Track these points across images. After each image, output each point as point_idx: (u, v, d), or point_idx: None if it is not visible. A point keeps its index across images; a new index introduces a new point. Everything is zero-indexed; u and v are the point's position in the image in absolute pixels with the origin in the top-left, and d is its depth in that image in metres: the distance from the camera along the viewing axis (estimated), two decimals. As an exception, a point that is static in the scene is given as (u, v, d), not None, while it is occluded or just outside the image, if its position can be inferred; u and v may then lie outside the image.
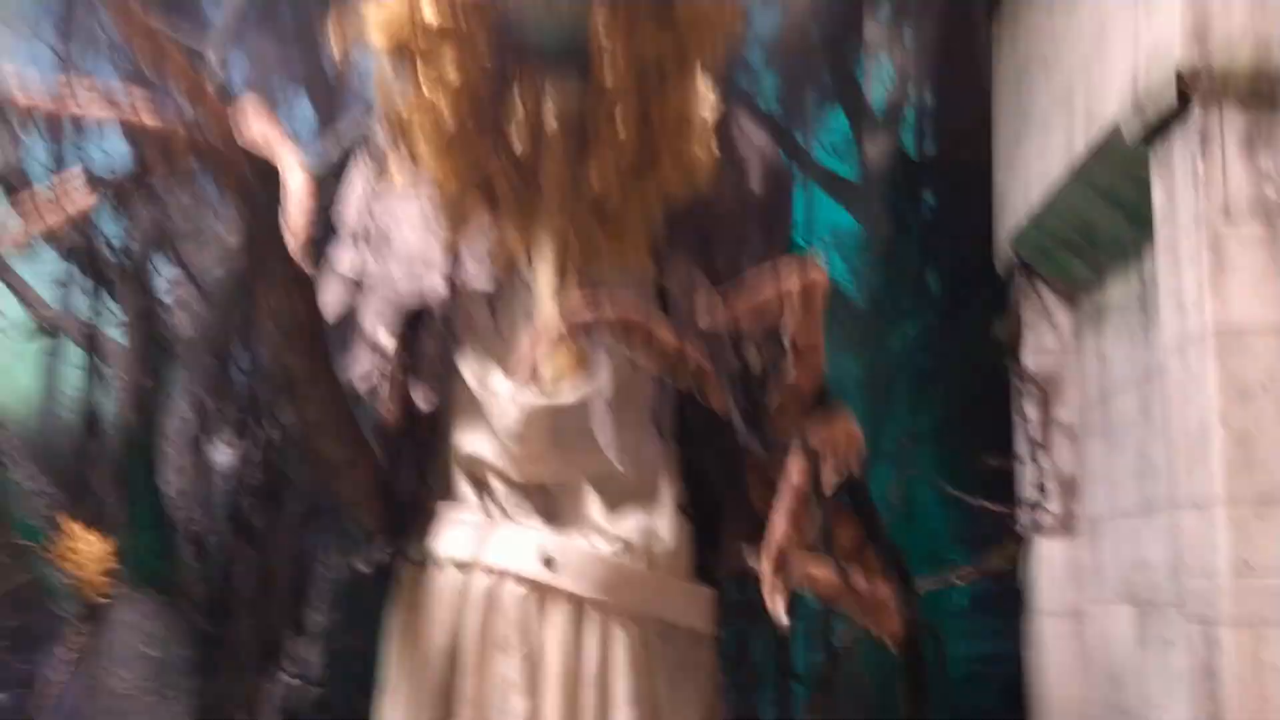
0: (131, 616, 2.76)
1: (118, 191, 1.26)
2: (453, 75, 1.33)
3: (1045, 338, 3.00)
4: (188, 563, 2.77)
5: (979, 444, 3.27)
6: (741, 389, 1.35)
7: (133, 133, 1.24)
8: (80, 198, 1.24)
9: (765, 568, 1.08)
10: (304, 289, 1.36)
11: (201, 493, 2.85)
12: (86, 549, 2.80)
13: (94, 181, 1.27)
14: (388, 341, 1.47)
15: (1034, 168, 2.74)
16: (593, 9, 1.31)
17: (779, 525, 1.11)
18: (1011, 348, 3.00)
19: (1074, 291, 2.94)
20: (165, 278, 2.94)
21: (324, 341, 1.44)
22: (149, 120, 1.24)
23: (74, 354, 4.03)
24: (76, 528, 2.82)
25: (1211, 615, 1.87)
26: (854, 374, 4.00)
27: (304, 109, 3.81)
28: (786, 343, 1.26)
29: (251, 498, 2.73)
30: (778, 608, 1.10)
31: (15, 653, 3.05)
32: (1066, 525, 2.86)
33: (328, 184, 3.20)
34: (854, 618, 1.26)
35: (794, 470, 1.15)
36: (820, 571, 1.20)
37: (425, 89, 1.35)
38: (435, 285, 1.43)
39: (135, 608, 2.78)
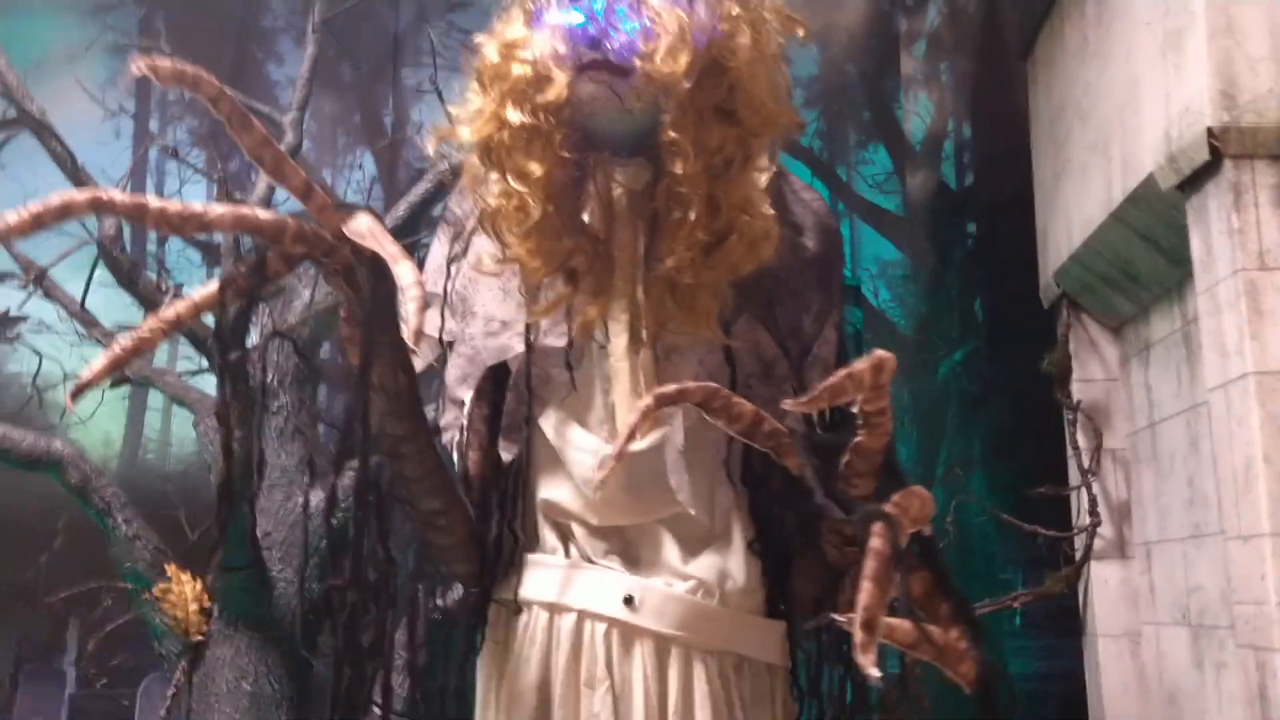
0: (227, 653, 2.92)
1: (238, 284, 1.35)
2: (535, 168, 1.42)
3: (1092, 368, 3.10)
4: (281, 602, 2.93)
5: (1028, 469, 3.37)
6: (814, 451, 1.44)
7: (249, 227, 1.33)
8: (200, 297, 1.32)
9: (857, 631, 1.20)
10: (408, 366, 1.46)
11: (299, 535, 3.02)
12: (183, 590, 2.96)
13: (224, 284, 1.34)
14: (470, 396, 1.58)
15: (1074, 209, 2.86)
16: (661, 108, 1.40)
17: (867, 591, 1.22)
18: (1060, 379, 3.10)
19: (1119, 324, 3.04)
20: (256, 331, 3.10)
21: (419, 405, 1.54)
22: (263, 216, 1.33)
23: (155, 399, 4.24)
24: (174, 569, 2.99)
25: (1262, 642, 1.97)
26: (904, 402, 4.11)
27: (368, 164, 4.01)
28: (856, 409, 1.36)
29: (344, 541, 2.89)
30: (869, 664, 1.21)
31: (119, 689, 3.23)
32: (1120, 550, 2.95)
33: (399, 238, 3.38)
34: (931, 663, 1.36)
35: (876, 538, 1.26)
36: (900, 625, 1.31)
37: (511, 181, 1.45)
38: (513, 343, 1.52)
39: (230, 645, 2.94)
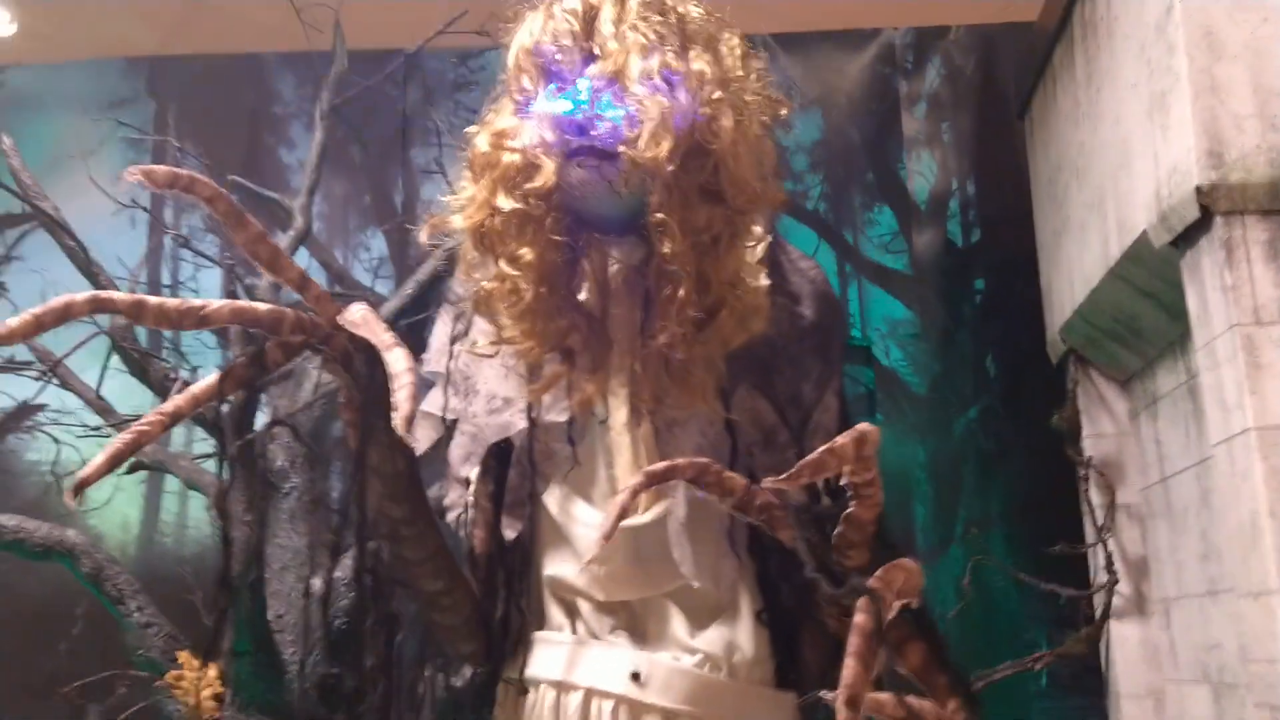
0: (243, 740, 2.91)
1: (237, 374, 1.38)
2: (526, 252, 1.45)
3: (1103, 423, 3.09)
4: (291, 685, 2.92)
5: (1047, 527, 3.33)
6: (807, 522, 1.44)
7: (248, 320, 1.35)
8: (200, 388, 1.35)
9: (840, 709, 1.19)
10: (405, 449, 1.48)
11: (302, 618, 3.02)
12: (195, 675, 2.96)
13: (223, 375, 1.37)
14: (473, 474, 1.58)
15: (1075, 265, 2.86)
16: (649, 189, 1.42)
17: (850, 668, 1.21)
18: (1071, 435, 3.08)
19: (1126, 378, 3.03)
20: (263, 415, 3.14)
21: (420, 487, 1.56)
22: (260, 308, 1.35)
23: (172, 483, 4.26)
24: (185, 656, 3.00)
25: (1277, 700, 1.93)
26: (921, 460, 4.08)
27: (378, 244, 4.06)
28: (845, 482, 1.37)
29: (350, 623, 2.90)
30: None
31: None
32: (1139, 607, 2.91)
33: (406, 315, 3.42)
34: None
35: (860, 613, 1.26)
36: (886, 701, 1.31)
37: (503, 265, 1.47)
38: (516, 420, 1.53)
39: (246, 731, 2.93)
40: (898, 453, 4.15)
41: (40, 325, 1.19)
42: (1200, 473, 2.53)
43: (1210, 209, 2.05)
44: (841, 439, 1.27)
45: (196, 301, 1.26)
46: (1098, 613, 3.01)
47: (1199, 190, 2.05)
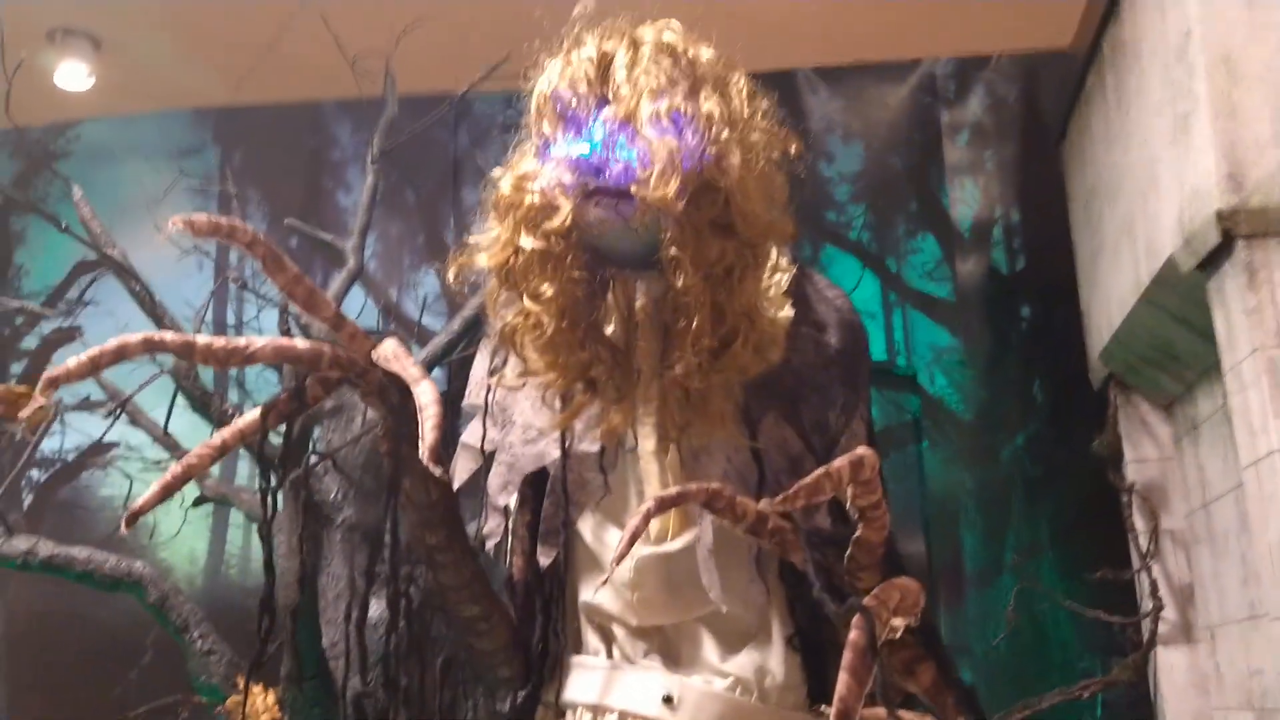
0: (301, 764, 3.00)
1: (279, 409, 1.45)
2: (547, 289, 1.51)
3: (1145, 448, 3.08)
4: (346, 712, 3.01)
5: (1096, 553, 3.32)
6: (819, 545, 1.47)
7: (289, 357, 1.42)
8: (244, 422, 1.41)
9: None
10: (437, 480, 1.54)
11: (355, 646, 3.11)
12: (254, 703, 3.07)
13: (265, 410, 1.44)
14: (511, 502, 1.62)
15: (1111, 289, 2.87)
16: (662, 226, 1.48)
17: (843, 682, 1.26)
18: (1113, 461, 3.07)
19: (1169, 403, 3.02)
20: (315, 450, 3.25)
21: (456, 515, 1.62)
22: (300, 346, 1.42)
23: (237, 516, 4.41)
24: (245, 683, 3.10)
25: (1313, 727, 1.92)
26: (969, 488, 4.08)
27: (430, 281, 4.19)
28: (850, 506, 1.41)
29: (398, 650, 2.98)
30: None
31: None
32: (1186, 634, 2.89)
33: (456, 349, 3.52)
34: None
35: (854, 629, 1.30)
36: (879, 716, 1.35)
37: (526, 301, 1.53)
38: (550, 450, 1.58)
39: (304, 756, 3.02)
40: (945, 479, 4.16)
41: (96, 366, 1.26)
42: (1238, 496, 2.52)
43: (1232, 233, 2.06)
44: (838, 462, 1.31)
45: (241, 341, 1.33)
46: (1144, 639, 2.98)
47: (1219, 214, 2.07)
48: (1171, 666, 2.90)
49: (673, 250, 1.47)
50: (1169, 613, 2.92)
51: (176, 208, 4.29)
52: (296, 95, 4.39)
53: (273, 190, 4.23)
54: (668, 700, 1.48)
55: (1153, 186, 2.45)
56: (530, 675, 1.62)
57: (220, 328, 4.09)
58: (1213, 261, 2.16)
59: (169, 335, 1.34)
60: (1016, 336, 4.16)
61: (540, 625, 1.60)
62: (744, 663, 1.53)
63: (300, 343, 1.37)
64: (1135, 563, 3.02)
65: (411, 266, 4.24)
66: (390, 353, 1.43)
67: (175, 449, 3.64)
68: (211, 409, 3.25)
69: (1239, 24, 2.17)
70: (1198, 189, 2.16)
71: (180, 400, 3.51)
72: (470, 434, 1.70)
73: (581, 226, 1.49)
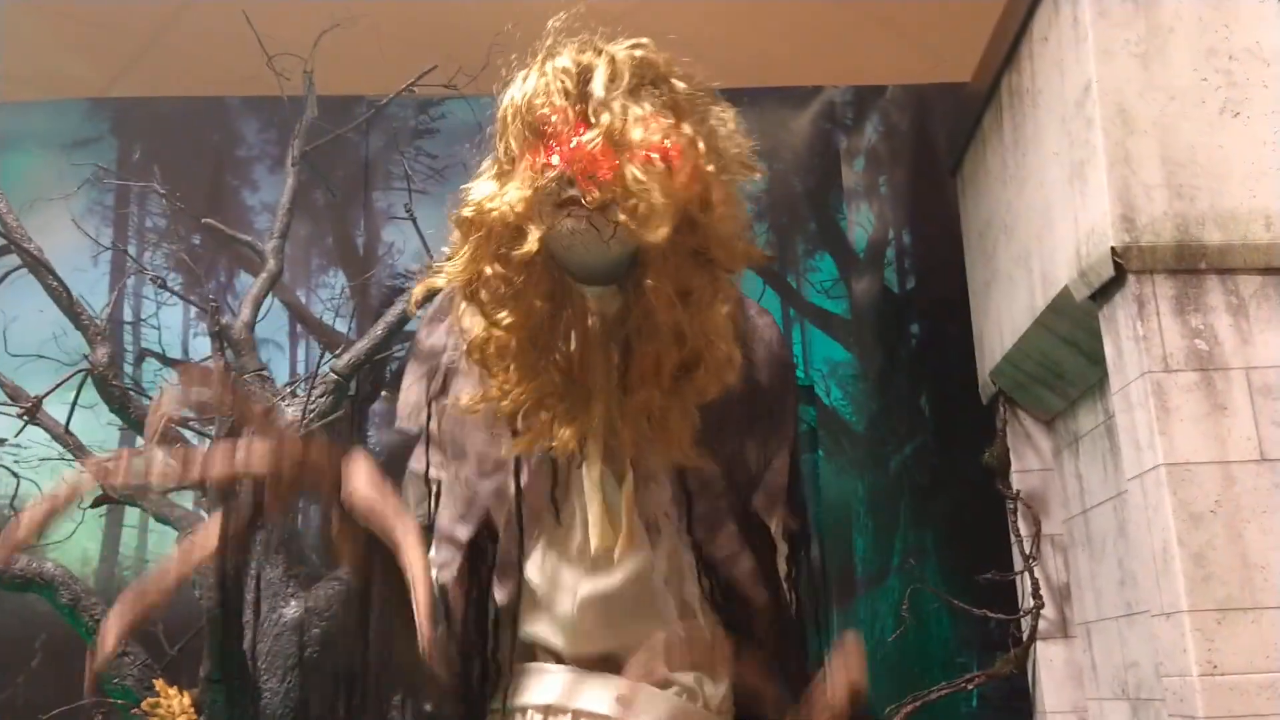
0: (217, 767, 3.00)
1: (239, 537, 1.34)
2: (507, 315, 1.49)
3: (1029, 459, 3.33)
4: (267, 712, 3.03)
5: (979, 555, 3.57)
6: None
7: (246, 474, 1.32)
8: (200, 549, 1.30)
9: None
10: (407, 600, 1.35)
11: (279, 647, 3.12)
12: (170, 704, 3.06)
13: (221, 542, 1.31)
14: (465, 535, 1.58)
15: (1004, 314, 3.11)
16: (641, 254, 1.46)
17: None
18: (1000, 471, 3.32)
19: (1050, 418, 3.28)
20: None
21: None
22: (256, 465, 1.31)
23: (130, 517, 4.33)
24: (161, 684, 3.09)
25: (1189, 712, 2.16)
26: (859, 494, 4.31)
27: (339, 282, 4.20)
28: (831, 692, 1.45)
29: (322, 651, 3.02)
30: None
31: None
32: (1063, 630, 3.14)
33: (377, 353, 3.56)
34: None
35: None
36: None
37: (489, 323, 1.52)
38: (505, 483, 1.54)
39: (219, 758, 3.03)
40: (838, 487, 4.37)
41: (50, 518, 1.22)
42: (1117, 505, 2.77)
43: (1124, 267, 2.30)
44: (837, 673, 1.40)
45: (196, 457, 1.26)
46: (1025, 636, 3.23)
47: (1114, 251, 2.30)
48: (1050, 660, 3.16)
49: (650, 281, 1.45)
50: (1048, 610, 3.17)
51: (79, 199, 4.20)
52: (197, 89, 4.34)
53: (175, 186, 4.16)
54: (621, 700, 1.47)
55: (1049, 224, 2.69)
56: (469, 694, 1.62)
57: (117, 326, 4.01)
58: (1105, 293, 2.39)
59: (120, 467, 1.26)
60: (906, 352, 4.42)
61: (482, 658, 1.57)
62: (688, 677, 1.54)
63: (256, 459, 1.29)
64: (1018, 564, 3.27)
65: (319, 268, 4.25)
66: (359, 485, 1.32)
67: (79, 449, 3.58)
68: (131, 409, 3.22)
69: (1133, 80, 2.41)
70: (1094, 228, 2.39)
71: (84, 397, 3.45)
72: (418, 460, 1.66)
73: (551, 236, 1.44)
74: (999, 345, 3.21)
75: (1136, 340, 2.28)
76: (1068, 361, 2.91)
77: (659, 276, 1.46)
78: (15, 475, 4.12)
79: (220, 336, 3.20)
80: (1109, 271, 2.32)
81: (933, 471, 4.29)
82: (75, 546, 4.17)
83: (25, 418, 3.15)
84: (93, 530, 4.23)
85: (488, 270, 1.48)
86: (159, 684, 3.04)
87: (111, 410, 3.26)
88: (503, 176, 1.49)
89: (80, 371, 3.13)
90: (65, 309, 3.18)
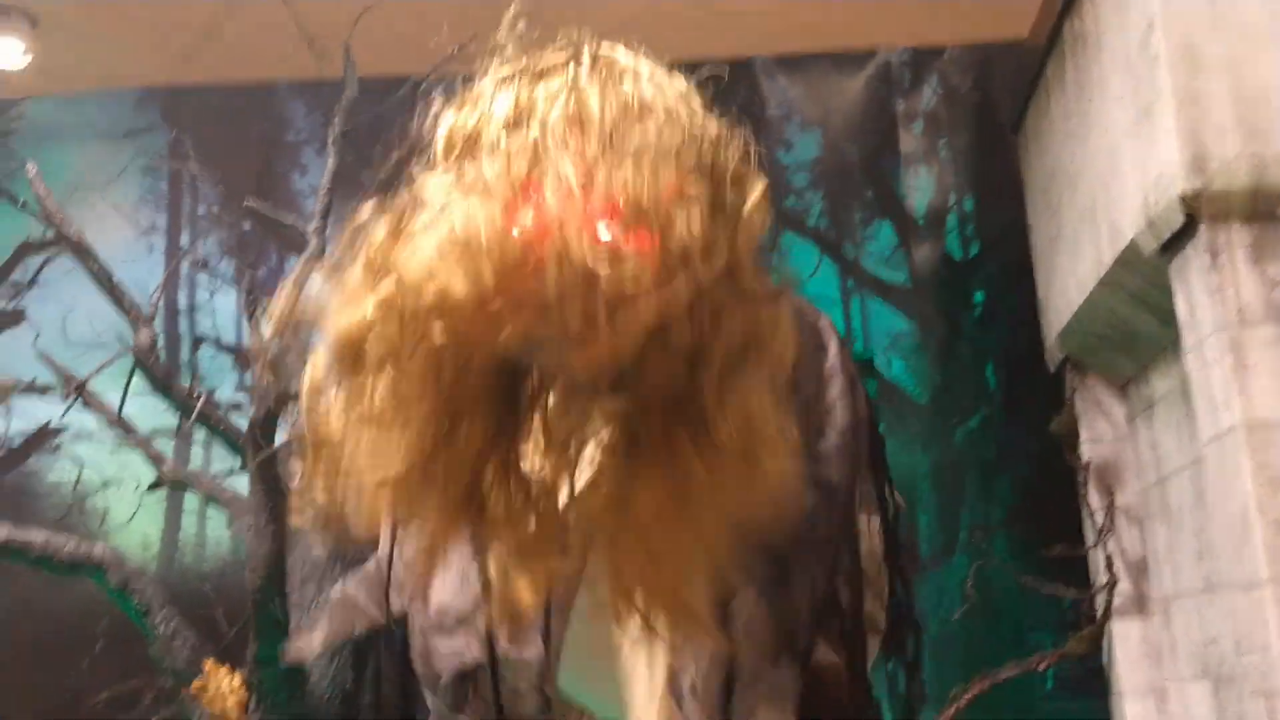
0: (268, 748, 2.98)
1: None
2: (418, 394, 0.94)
3: (1101, 428, 3.17)
4: (316, 693, 3.00)
5: (1049, 531, 3.42)
6: None
7: None
8: None
9: None
10: None
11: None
12: (220, 684, 3.04)
13: None
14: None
15: (1069, 273, 2.95)
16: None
17: None
18: (1069, 441, 3.16)
19: (1123, 383, 3.11)
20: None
21: None
22: None
23: (190, 502, 4.35)
24: (210, 664, 3.08)
25: (1270, 689, 2.01)
26: (923, 470, 4.17)
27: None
28: None
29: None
30: None
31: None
32: (1139, 606, 2.98)
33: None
34: None
35: None
36: None
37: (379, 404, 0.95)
38: (470, 649, 1.15)
39: (271, 740, 3.01)
40: (901, 463, 4.25)
41: None
42: (1194, 473, 2.61)
43: (1195, 216, 2.14)
44: None
45: None
46: (1099, 613, 3.08)
47: (1183, 198, 2.14)
48: (1126, 638, 3.00)
49: (625, 404, 0.97)
50: (1123, 586, 3.01)
51: (125, 189, 4.22)
52: (247, 75, 4.33)
53: (225, 172, 4.17)
54: None
55: (1115, 173, 2.53)
56: None
57: (171, 310, 4.02)
58: (1175, 244, 2.24)
59: None
60: (970, 321, 4.26)
61: None
62: None
63: None
64: (1090, 539, 3.12)
65: (368, 248, 4.22)
66: None
67: (130, 432, 3.59)
68: (174, 391, 3.21)
69: (1200, 16, 2.25)
70: (1161, 174, 2.24)
71: (136, 383, 3.46)
72: (356, 584, 1.28)
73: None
74: (1066, 307, 3.05)
75: (1210, 293, 2.12)
76: (1138, 321, 2.75)
77: (643, 405, 0.96)
78: (79, 463, 4.17)
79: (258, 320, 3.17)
80: (1178, 220, 2.16)
81: (999, 444, 4.13)
82: (135, 532, 4.21)
83: (71, 397, 3.15)
84: (154, 516, 4.26)
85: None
86: (208, 664, 3.02)
87: (155, 392, 3.25)
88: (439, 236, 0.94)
89: (121, 355, 3.11)
90: (107, 292, 3.17)
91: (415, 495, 0.94)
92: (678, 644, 1.04)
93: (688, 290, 0.90)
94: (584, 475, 0.98)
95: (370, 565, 1.24)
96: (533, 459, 0.96)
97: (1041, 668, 3.21)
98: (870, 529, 1.40)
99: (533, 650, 1.10)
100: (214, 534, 4.26)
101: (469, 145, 0.97)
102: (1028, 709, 3.80)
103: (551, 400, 0.95)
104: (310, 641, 1.38)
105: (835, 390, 1.16)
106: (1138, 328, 2.79)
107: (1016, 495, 4.00)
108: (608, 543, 0.98)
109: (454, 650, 1.15)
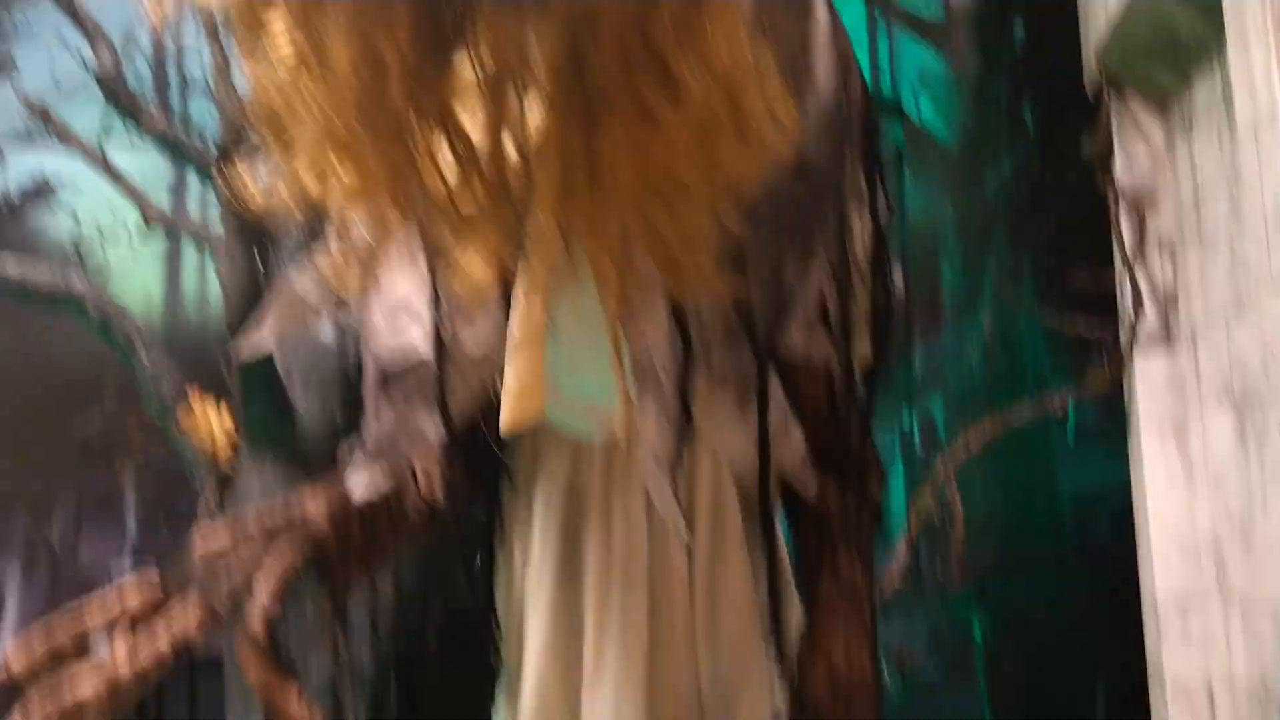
0: (257, 484, 2.96)
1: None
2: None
3: (1137, 151, 2.90)
4: (301, 434, 2.95)
5: (1077, 270, 3.21)
6: None
7: None
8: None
9: None
10: None
11: (313, 368, 3.02)
12: (209, 421, 3.00)
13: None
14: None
15: (1110, -27, 2.64)
16: None
17: None
18: (1102, 164, 2.91)
19: (1163, 99, 2.83)
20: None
21: None
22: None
23: (189, 259, 4.28)
24: (195, 394, 3.03)
25: (1293, 397, 1.84)
26: (950, 218, 3.95)
27: None
28: None
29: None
30: None
31: (158, 526, 3.33)
32: (1165, 337, 2.79)
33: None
34: None
35: None
36: None
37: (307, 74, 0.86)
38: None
39: (258, 479, 2.97)
40: (926, 213, 4.02)
41: None
42: (1231, 178, 2.37)
43: None
44: None
45: None
46: (1124, 349, 2.89)
47: None
48: (1149, 372, 2.82)
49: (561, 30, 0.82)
50: (1150, 318, 2.81)
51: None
52: None
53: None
54: None
55: None
56: None
57: (162, 55, 3.83)
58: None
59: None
60: (1009, 57, 3.93)
61: None
62: None
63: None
64: (1120, 270, 2.90)
65: None
66: None
67: (117, 176, 3.48)
68: (142, 120, 3.05)
69: None
70: None
71: (130, 141, 3.33)
72: (304, 279, 1.28)
73: None
74: (1105, 18, 2.74)
75: (1259, -43, 1.83)
76: (1182, 21, 2.45)
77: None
78: (76, 219, 4.09)
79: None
80: None
81: (1034, 189, 3.87)
82: (137, 286, 4.16)
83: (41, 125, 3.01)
84: (152, 270, 4.21)
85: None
86: (193, 393, 2.95)
87: (121, 117, 3.09)
88: None
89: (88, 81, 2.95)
90: (71, 18, 2.98)
91: (357, 159, 0.88)
92: (639, 324, 1.00)
93: None
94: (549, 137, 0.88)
95: (318, 259, 1.17)
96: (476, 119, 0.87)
97: (1058, 406, 3.06)
98: (862, 226, 1.27)
99: (480, 347, 1.10)
100: (216, 287, 4.20)
101: None
102: (1048, 463, 3.69)
103: (480, 32, 0.83)
104: (261, 337, 1.34)
105: (821, 64, 1.10)
106: (1182, 29, 2.50)
107: (1048, 243, 3.77)
108: (570, 204, 0.88)
109: (401, 345, 1.18)
